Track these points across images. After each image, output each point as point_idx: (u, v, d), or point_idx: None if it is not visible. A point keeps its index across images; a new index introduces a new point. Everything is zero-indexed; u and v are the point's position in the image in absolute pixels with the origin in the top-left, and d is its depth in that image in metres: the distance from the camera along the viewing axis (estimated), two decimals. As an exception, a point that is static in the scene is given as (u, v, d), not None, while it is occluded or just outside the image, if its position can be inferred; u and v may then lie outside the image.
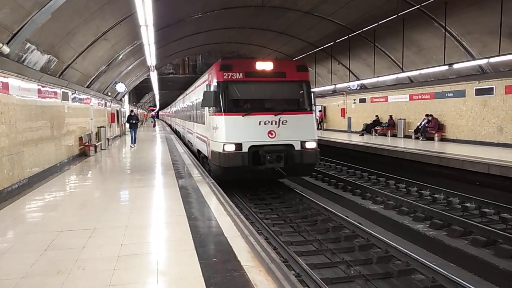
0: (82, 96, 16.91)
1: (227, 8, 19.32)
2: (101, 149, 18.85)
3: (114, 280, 4.26)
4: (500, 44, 12.86)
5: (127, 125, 22.09)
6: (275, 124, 10.56)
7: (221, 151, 10.30)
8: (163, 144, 22.35)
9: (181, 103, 27.80)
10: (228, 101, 10.65)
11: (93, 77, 17.19)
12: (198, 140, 14.96)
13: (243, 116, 10.48)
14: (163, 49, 22.77)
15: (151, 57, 16.60)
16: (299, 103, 11.29)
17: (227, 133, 10.31)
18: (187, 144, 21.06)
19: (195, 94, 16.76)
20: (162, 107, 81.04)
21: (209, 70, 12.05)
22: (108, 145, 20.91)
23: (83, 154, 16.41)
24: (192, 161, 14.31)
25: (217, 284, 4.12)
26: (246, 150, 10.24)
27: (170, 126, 49.46)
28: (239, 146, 10.25)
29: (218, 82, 10.75)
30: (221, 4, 18.72)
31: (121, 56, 18.06)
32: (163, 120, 79.35)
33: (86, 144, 16.61)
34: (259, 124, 10.45)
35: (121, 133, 30.63)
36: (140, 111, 61.28)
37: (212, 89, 11.02)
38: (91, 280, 4.31)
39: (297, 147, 10.67)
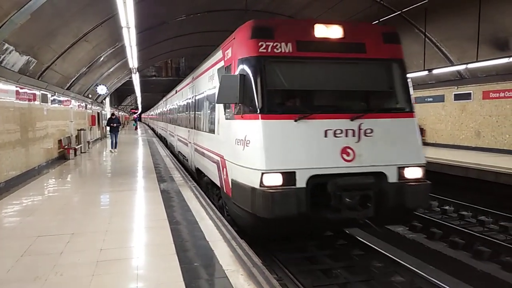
0: (62, 98, 16.62)
1: (210, 11, 19.29)
2: (81, 152, 18.55)
3: (93, 286, 4.18)
4: (478, 50, 13.17)
5: (108, 128, 21.46)
6: (353, 135, 6.04)
7: (256, 186, 5.69)
8: (145, 148, 22.11)
9: (169, 103, 22.32)
10: (269, 93, 6.07)
11: (73, 79, 16.93)
12: (199, 156, 10.05)
13: (295, 120, 5.90)
14: (146, 51, 22.58)
15: (133, 59, 16.48)
16: (391, 99, 6.69)
17: (269, 152, 5.73)
18: (177, 156, 16.88)
19: (193, 88, 11.95)
20: (145, 109, 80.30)
21: (227, 41, 7.30)
22: (89, 148, 20.58)
23: (63, 157, 16.11)
24: (175, 164, 14.19)
25: (198, 289, 4.09)
26: (304, 185, 5.72)
27: (153, 130, 47.19)
28: (290, 177, 5.72)
29: (249, 59, 6.17)
30: (205, 7, 18.68)
31: (102, 58, 17.84)
32: (145, 123, 78.56)
33: (66, 147, 16.32)
34: (325, 135, 5.94)
35: (101, 136, 30.23)
36: (122, 113, 60.59)
37: (236, 71, 6.42)
38: (69, 286, 4.22)
39: (392, 177, 6.11)
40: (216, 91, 7.49)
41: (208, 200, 8.28)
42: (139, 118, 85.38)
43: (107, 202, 8.63)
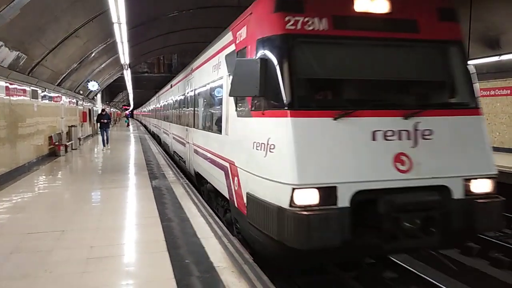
0: (52, 94, 16.46)
1: (202, 7, 19.21)
2: (72, 149, 18.41)
3: (83, 284, 4.16)
4: (469, 49, 13.27)
5: (98, 124, 21.03)
6: (408, 137, 4.76)
7: (285, 205, 4.37)
8: (137, 144, 22.02)
9: (163, 99, 20.90)
10: (300, 83, 4.75)
11: (64, 75, 16.77)
12: (200, 159, 8.80)
13: (335, 118, 4.58)
14: (137, 47, 22.44)
15: (124, 56, 16.37)
16: (451, 91, 5.41)
17: (302, 160, 4.40)
18: (172, 156, 15.48)
19: (192, 81, 10.51)
20: (137, 106, 79.83)
21: (240, 18, 5.92)
22: (80, 144, 20.43)
23: (53, 154, 15.96)
24: (167, 161, 14.15)
25: (189, 286, 4.08)
26: (347, 204, 4.42)
27: (146, 127, 45.88)
28: (330, 193, 4.41)
29: (273, 39, 4.87)
30: (197, 3, 18.60)
31: (93, 54, 17.69)
32: (138, 120, 78.05)
33: (56, 143, 16.18)
34: (373, 138, 4.65)
35: (93, 133, 30.00)
36: (114, 110, 60.17)
37: (255, 55, 5.11)
38: (58, 283, 4.19)
39: (457, 192, 4.83)
40: (223, 82, 6.59)
41: (200, 197, 8.26)
42: (131, 115, 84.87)
43: (98, 199, 8.58)
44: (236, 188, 5.72)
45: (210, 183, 7.87)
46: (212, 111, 7.91)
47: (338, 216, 4.29)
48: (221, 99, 6.67)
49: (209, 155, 7.67)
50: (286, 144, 4.45)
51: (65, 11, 11.24)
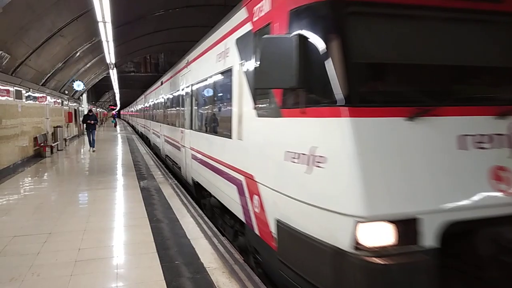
0: (37, 95, 16.21)
1: (189, 6, 19.12)
2: (58, 150, 18.15)
3: (71, 286, 4.10)
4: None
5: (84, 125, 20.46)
6: (506, 144, 3.33)
7: (345, 247, 2.93)
8: (124, 145, 21.83)
9: (153, 98, 19.30)
10: (360, 70, 3.27)
11: (48, 75, 16.53)
12: (201, 167, 7.45)
13: (409, 118, 3.10)
14: (123, 46, 22.23)
15: (110, 55, 16.21)
16: None
17: (370, 180, 2.92)
18: (164, 160, 14.01)
19: (189, 75, 9.01)
20: (123, 106, 78.96)
21: None
22: (66, 145, 20.16)
23: (39, 155, 15.73)
24: (155, 162, 14.05)
25: (179, 287, 4.06)
26: (435, 243, 2.96)
27: (133, 127, 44.08)
28: (411, 228, 2.93)
29: (315, 8, 3.44)
30: (184, 1, 18.51)
31: (78, 53, 17.47)
32: (125, 120, 77.11)
33: (42, 144, 15.95)
34: (460, 145, 3.20)
35: (79, 133, 29.66)
36: (100, 110, 59.50)
37: (291, 31, 3.61)
38: (46, 287, 4.13)
39: None
40: (234, 73, 5.22)
41: (189, 198, 8.21)
42: (118, 115, 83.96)
43: (85, 200, 8.47)
44: (256, 211, 4.41)
45: (215, 197, 6.51)
46: (216, 109, 6.59)
47: (427, 263, 2.91)
48: (230, 94, 5.39)
49: (213, 163, 6.37)
50: (345, 156, 3.03)
51: (48, 10, 11.07)
